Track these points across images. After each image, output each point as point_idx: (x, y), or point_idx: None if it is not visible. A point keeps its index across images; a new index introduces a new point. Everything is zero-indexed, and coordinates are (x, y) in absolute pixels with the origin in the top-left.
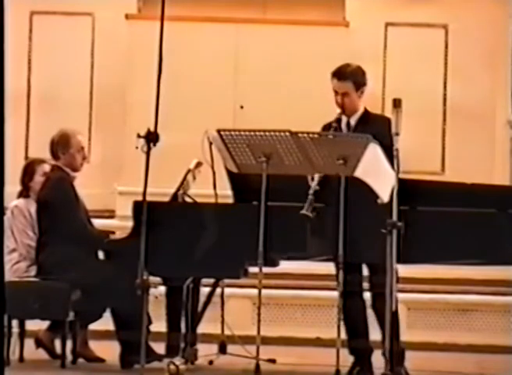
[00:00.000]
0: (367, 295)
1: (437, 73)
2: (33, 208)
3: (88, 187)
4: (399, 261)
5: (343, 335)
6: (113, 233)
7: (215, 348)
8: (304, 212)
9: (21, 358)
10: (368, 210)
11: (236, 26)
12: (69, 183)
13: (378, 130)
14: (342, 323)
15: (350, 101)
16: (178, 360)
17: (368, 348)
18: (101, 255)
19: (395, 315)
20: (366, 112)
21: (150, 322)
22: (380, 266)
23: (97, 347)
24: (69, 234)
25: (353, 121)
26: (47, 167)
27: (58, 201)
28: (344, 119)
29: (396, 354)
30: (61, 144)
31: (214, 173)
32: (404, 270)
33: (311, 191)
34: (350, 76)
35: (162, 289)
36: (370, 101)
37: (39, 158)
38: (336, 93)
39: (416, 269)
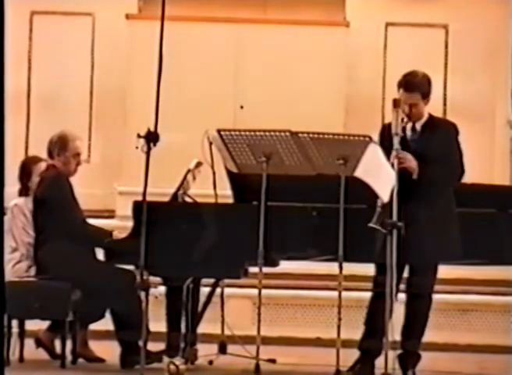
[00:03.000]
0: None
1: (437, 73)
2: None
3: (88, 187)
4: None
5: (344, 335)
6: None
7: (215, 348)
8: (371, 224)
9: (21, 358)
10: None
11: (237, 26)
12: (65, 180)
13: (444, 136)
14: (340, 322)
15: (417, 110)
16: (178, 360)
17: (378, 349)
18: (100, 255)
19: (426, 317)
20: (431, 117)
21: (148, 331)
22: (421, 266)
23: (97, 347)
24: (67, 231)
25: (418, 126)
26: (44, 166)
27: (55, 199)
28: (409, 123)
29: (412, 356)
30: (57, 145)
31: (214, 173)
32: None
33: (379, 204)
34: (417, 88)
35: (162, 289)
36: (370, 101)
37: (36, 157)
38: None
39: None
